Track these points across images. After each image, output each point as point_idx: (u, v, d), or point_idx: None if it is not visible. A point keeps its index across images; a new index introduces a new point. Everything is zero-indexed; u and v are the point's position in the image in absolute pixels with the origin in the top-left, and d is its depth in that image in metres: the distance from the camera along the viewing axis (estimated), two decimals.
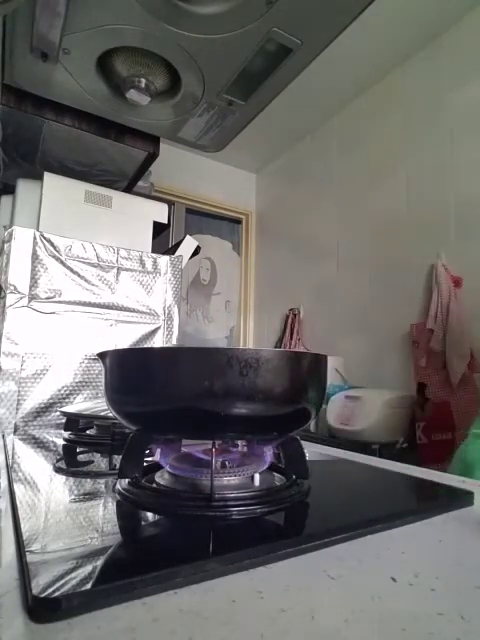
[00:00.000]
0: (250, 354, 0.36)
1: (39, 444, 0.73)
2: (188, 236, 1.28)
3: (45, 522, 0.34)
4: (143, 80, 0.87)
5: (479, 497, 0.40)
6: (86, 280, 1.00)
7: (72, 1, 0.69)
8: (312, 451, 0.67)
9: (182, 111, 0.99)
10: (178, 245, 1.24)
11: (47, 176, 1.04)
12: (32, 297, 0.92)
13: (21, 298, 0.90)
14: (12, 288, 0.90)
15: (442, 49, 1.73)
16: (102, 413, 0.65)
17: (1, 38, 0.79)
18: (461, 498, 0.40)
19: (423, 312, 1.68)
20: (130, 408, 0.41)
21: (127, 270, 1.06)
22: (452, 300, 1.55)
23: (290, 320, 2.38)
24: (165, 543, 0.32)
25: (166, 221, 1.20)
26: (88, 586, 0.23)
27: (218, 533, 0.33)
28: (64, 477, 0.51)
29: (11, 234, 0.92)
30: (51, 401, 0.91)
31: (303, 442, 0.43)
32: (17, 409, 0.87)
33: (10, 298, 0.89)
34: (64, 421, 0.74)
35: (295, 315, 2.37)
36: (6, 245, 0.93)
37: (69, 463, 0.58)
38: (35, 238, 0.94)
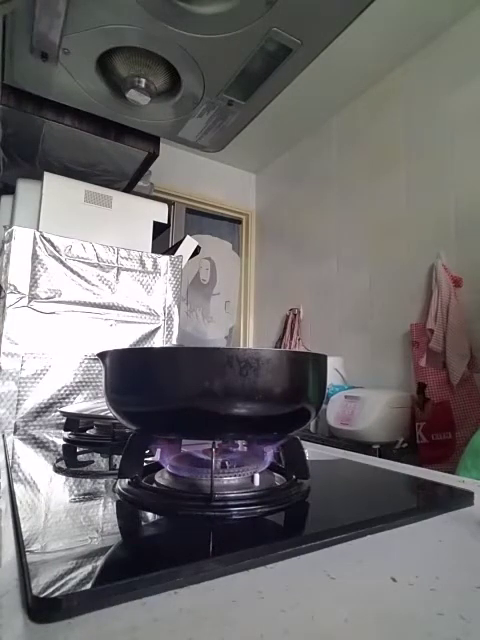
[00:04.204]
0: (250, 354, 0.36)
1: (39, 444, 0.73)
2: (188, 236, 1.28)
3: (45, 522, 0.34)
4: (143, 80, 0.87)
5: (479, 497, 0.40)
6: (86, 280, 0.99)
7: (72, 1, 0.69)
8: (312, 451, 0.67)
9: (182, 111, 0.99)
10: (178, 245, 1.24)
11: (47, 176, 1.04)
12: (32, 297, 0.92)
13: (21, 298, 0.90)
14: (12, 288, 0.90)
15: (442, 49, 1.73)
16: (102, 413, 0.65)
17: (1, 38, 0.79)
18: (461, 498, 0.40)
19: (423, 312, 1.68)
20: (130, 408, 0.40)
21: (127, 270, 1.06)
22: (452, 300, 1.55)
23: (290, 320, 2.38)
24: (165, 543, 0.32)
25: (166, 221, 1.20)
26: (88, 586, 0.23)
27: (218, 533, 0.33)
28: (64, 477, 0.51)
29: (11, 234, 0.92)
30: (51, 401, 0.91)
31: (303, 442, 0.43)
32: (17, 409, 0.87)
33: (10, 298, 0.89)
34: (64, 421, 0.74)
35: (295, 315, 2.37)
36: (6, 245, 0.93)
37: (69, 463, 0.58)
38: (35, 238, 0.94)
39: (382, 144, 1.96)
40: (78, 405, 0.80)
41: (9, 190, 1.08)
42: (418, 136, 1.80)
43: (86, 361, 0.97)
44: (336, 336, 2.12)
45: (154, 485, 0.41)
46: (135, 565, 0.27)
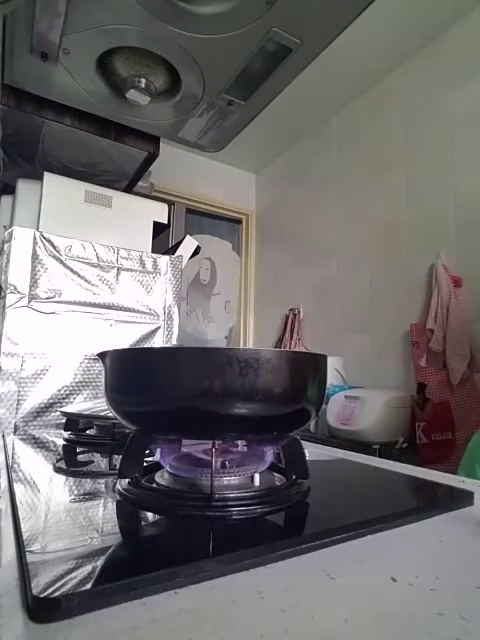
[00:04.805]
0: (250, 354, 0.36)
1: (39, 444, 0.73)
2: (188, 236, 1.28)
3: (45, 522, 0.34)
4: (143, 80, 0.87)
5: (479, 497, 0.40)
6: (86, 280, 0.99)
7: (72, 1, 0.69)
8: (312, 451, 0.67)
9: (182, 111, 0.99)
10: (178, 245, 1.24)
11: (47, 176, 1.04)
12: (32, 297, 0.92)
13: (21, 298, 0.90)
14: (12, 288, 0.90)
15: (442, 49, 1.73)
16: (102, 413, 0.65)
17: (1, 38, 0.79)
18: (461, 498, 0.40)
19: (423, 312, 1.68)
20: (130, 408, 0.40)
21: (127, 270, 1.06)
22: (452, 300, 1.55)
23: (290, 320, 2.38)
24: (165, 543, 0.32)
25: (166, 221, 1.20)
26: (88, 586, 0.23)
27: (218, 533, 0.33)
28: (64, 477, 0.51)
29: (11, 234, 0.92)
30: (51, 401, 0.91)
31: (303, 442, 0.43)
32: (17, 409, 0.87)
33: (10, 298, 0.89)
34: (64, 421, 0.74)
35: (295, 315, 2.37)
36: (6, 245, 0.93)
37: (69, 463, 0.58)
38: (35, 238, 0.94)
39: (382, 144, 1.96)
40: (78, 405, 0.80)
41: (9, 190, 1.08)
42: (418, 136, 1.80)
43: (86, 361, 0.97)
44: (336, 336, 2.11)
45: (154, 485, 0.41)
46: (135, 565, 0.27)
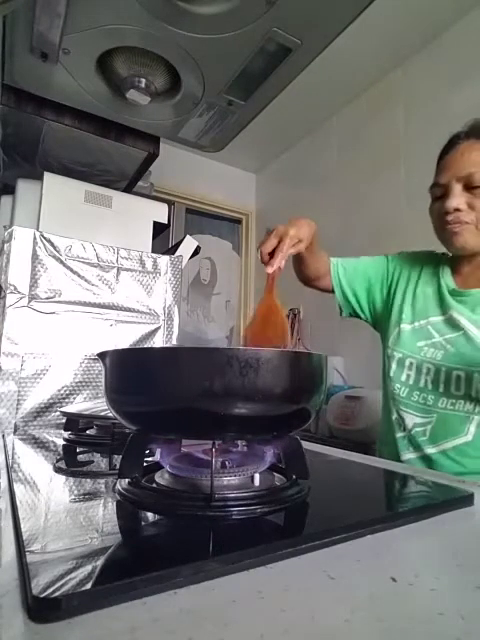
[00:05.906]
0: (250, 354, 0.36)
1: (39, 444, 0.73)
2: (188, 236, 1.28)
3: (45, 522, 0.34)
4: (143, 80, 0.87)
5: (479, 497, 0.40)
6: (86, 280, 0.99)
7: (72, 1, 0.69)
8: (312, 451, 0.67)
9: (182, 111, 0.99)
10: (178, 245, 1.24)
11: (47, 176, 1.04)
12: (32, 297, 0.92)
13: (21, 298, 0.90)
14: (12, 288, 0.90)
15: (442, 49, 1.73)
16: (102, 413, 0.65)
17: (1, 38, 0.79)
18: (461, 498, 0.40)
19: None
20: (130, 408, 0.40)
21: (127, 270, 1.06)
22: None
23: (290, 320, 2.39)
24: (165, 543, 0.32)
25: (166, 221, 1.20)
26: (88, 586, 0.23)
27: (218, 533, 0.33)
28: (64, 477, 0.51)
29: (11, 234, 0.92)
30: (51, 401, 0.91)
31: (303, 442, 0.43)
32: (17, 409, 0.87)
33: (10, 298, 0.89)
34: (64, 421, 0.74)
35: (295, 315, 2.37)
36: (6, 245, 0.93)
37: (69, 463, 0.58)
38: (35, 238, 0.94)
39: (382, 144, 1.96)
40: (78, 405, 0.80)
41: (9, 190, 1.08)
42: (418, 136, 1.80)
43: (86, 361, 0.97)
44: (336, 336, 2.11)
45: (154, 485, 0.41)
46: (135, 565, 0.27)
